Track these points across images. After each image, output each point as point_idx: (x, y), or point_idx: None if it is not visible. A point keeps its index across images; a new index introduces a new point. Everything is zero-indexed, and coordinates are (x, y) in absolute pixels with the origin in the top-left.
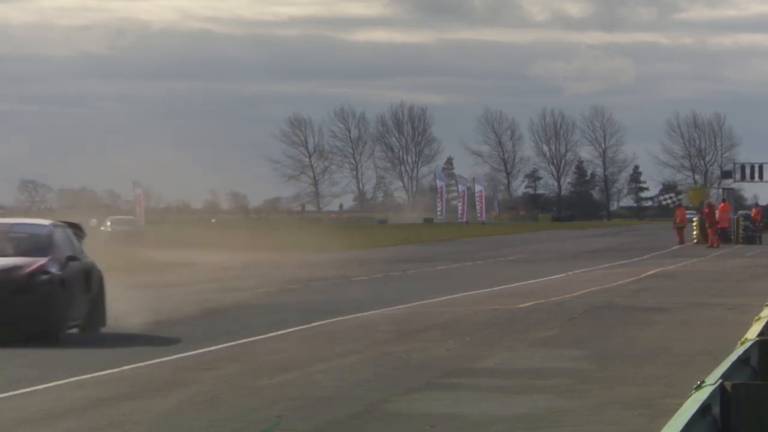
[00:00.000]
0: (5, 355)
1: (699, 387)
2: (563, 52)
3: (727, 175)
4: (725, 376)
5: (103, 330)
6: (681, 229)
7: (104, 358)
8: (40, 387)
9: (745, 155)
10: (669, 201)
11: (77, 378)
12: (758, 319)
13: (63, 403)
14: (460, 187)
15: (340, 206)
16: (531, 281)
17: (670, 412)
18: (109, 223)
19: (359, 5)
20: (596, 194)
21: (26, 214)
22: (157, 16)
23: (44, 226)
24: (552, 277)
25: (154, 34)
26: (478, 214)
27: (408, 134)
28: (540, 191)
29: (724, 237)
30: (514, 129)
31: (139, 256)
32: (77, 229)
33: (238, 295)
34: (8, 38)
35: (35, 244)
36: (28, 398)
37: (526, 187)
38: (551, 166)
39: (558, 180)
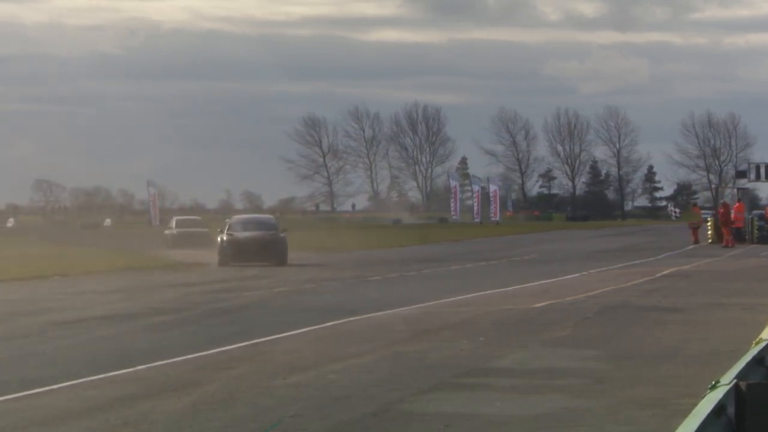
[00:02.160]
0: (20, 354)
1: (713, 387)
2: (576, 52)
3: (741, 174)
4: (740, 376)
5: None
6: (696, 228)
7: (119, 357)
8: (54, 387)
9: (759, 155)
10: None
11: (92, 378)
12: None
13: (78, 402)
14: (475, 187)
15: (353, 206)
16: (545, 281)
17: (684, 413)
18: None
19: (372, 5)
20: (611, 194)
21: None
22: (168, 16)
23: None
24: (566, 276)
25: (165, 34)
26: (492, 214)
27: (422, 134)
28: (554, 191)
29: (739, 237)
30: (529, 129)
31: (152, 256)
32: None
33: (252, 294)
34: (21, 38)
35: None
36: (44, 398)
37: (541, 186)
38: (565, 166)
39: (572, 180)
